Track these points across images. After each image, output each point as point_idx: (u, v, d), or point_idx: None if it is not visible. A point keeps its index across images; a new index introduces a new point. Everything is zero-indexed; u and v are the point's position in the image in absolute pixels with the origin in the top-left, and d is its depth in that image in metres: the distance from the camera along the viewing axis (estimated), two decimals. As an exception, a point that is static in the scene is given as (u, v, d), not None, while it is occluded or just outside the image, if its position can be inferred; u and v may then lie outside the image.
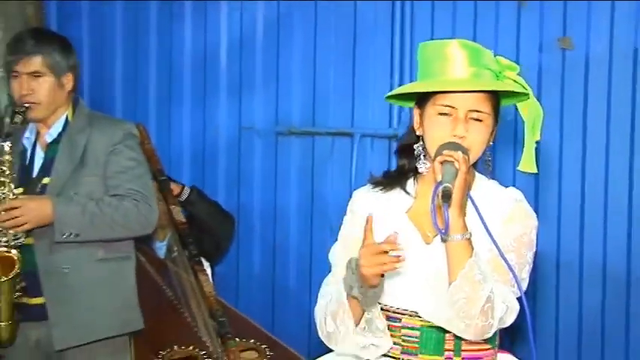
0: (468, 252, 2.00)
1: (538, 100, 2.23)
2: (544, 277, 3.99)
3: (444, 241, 2.03)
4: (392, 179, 2.31)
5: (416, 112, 2.20)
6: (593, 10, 3.89)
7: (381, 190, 2.29)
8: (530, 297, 3.98)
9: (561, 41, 3.95)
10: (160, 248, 3.94)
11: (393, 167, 4.13)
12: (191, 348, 3.57)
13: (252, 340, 3.64)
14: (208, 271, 3.81)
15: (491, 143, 2.18)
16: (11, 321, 3.10)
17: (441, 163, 2.02)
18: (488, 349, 2.20)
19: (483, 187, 2.22)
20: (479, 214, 2.06)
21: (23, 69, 3.14)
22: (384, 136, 4.25)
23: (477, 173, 2.25)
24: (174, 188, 3.99)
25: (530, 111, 2.20)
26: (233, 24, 4.52)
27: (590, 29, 3.91)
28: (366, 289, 2.00)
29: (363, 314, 2.11)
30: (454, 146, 2.05)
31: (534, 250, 2.17)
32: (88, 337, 3.15)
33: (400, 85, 4.03)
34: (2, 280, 3.02)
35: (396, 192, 2.27)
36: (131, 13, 4.66)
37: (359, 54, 4.33)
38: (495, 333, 2.17)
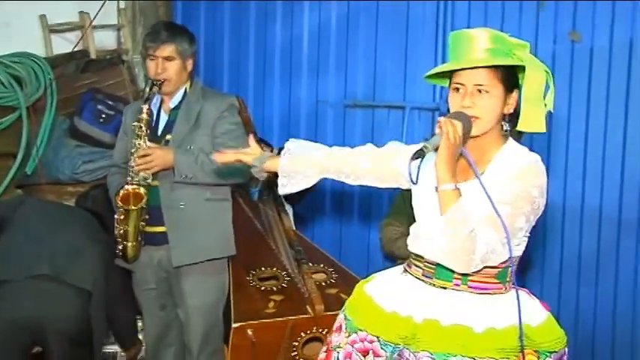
0: (453, 199, 1.97)
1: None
2: (552, 221, 4.12)
3: (436, 190, 2.02)
4: None
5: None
6: (598, 9, 4.00)
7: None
8: (541, 237, 4.09)
9: (571, 34, 4.06)
10: (254, 193, 4.13)
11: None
12: (274, 269, 3.68)
13: (321, 265, 3.71)
14: (290, 211, 4.01)
15: (510, 111, 2.12)
16: (136, 242, 3.25)
17: (440, 127, 2.01)
18: (497, 283, 2.13)
19: (509, 150, 2.14)
20: (475, 170, 2.01)
21: (159, 53, 3.23)
22: (428, 108, 4.38)
23: (510, 139, 2.16)
24: (265, 149, 4.14)
25: (534, 79, 2.08)
26: (312, 20, 4.63)
27: (595, 25, 4.02)
28: None
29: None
30: (455, 115, 2.05)
31: (535, 203, 2.04)
32: (197, 258, 3.27)
33: (443, 67, 4.29)
34: (132, 208, 3.17)
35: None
36: (235, 13, 4.78)
37: (410, 42, 4.44)
38: (505, 271, 2.11)
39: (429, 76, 2.28)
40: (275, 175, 3.79)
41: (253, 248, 3.81)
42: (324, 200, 4.67)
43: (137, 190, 3.20)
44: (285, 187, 2.47)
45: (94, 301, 3.15)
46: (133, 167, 3.19)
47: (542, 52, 3.97)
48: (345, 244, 4.57)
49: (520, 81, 2.14)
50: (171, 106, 3.35)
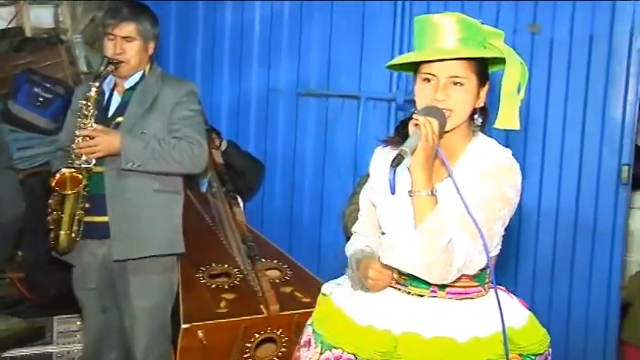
0: (430, 206, 1.83)
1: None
2: (528, 222, 4.06)
3: (410, 196, 1.87)
4: (399, 137, 2.09)
5: (414, 80, 2.00)
6: (559, 3, 3.92)
7: (391, 147, 2.10)
8: (515, 238, 4.02)
9: (531, 27, 3.96)
10: (203, 184, 3.96)
11: (392, 126, 4.23)
12: (226, 265, 3.56)
13: (275, 261, 3.62)
14: (241, 204, 3.79)
15: (481, 105, 1.98)
16: (70, 232, 3.06)
17: (415, 125, 1.85)
18: (476, 286, 2.00)
19: (478, 144, 2.00)
20: (449, 172, 1.87)
21: (118, 32, 3.06)
22: (384, 99, 4.23)
23: (479, 132, 2.01)
24: (215, 140, 3.95)
25: (513, 72, 1.94)
26: (264, 5, 4.44)
27: (555, 18, 3.93)
28: (365, 289, 2.04)
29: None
30: (429, 111, 1.88)
31: (512, 205, 1.92)
32: (140, 252, 3.10)
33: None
34: (68, 193, 2.99)
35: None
36: (182, -4, 4.54)
37: (366, 30, 4.28)
38: (484, 273, 1.98)
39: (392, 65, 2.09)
40: (225, 164, 3.78)
41: (203, 243, 3.68)
42: (274, 192, 4.52)
43: (74, 174, 3.01)
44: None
45: None
46: (74, 149, 3.00)
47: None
48: (296, 238, 4.43)
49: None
50: (127, 86, 3.18)
